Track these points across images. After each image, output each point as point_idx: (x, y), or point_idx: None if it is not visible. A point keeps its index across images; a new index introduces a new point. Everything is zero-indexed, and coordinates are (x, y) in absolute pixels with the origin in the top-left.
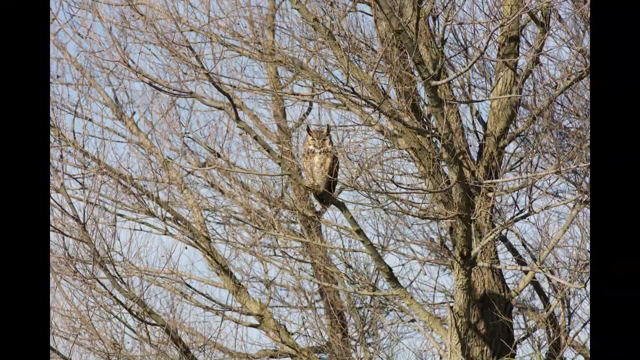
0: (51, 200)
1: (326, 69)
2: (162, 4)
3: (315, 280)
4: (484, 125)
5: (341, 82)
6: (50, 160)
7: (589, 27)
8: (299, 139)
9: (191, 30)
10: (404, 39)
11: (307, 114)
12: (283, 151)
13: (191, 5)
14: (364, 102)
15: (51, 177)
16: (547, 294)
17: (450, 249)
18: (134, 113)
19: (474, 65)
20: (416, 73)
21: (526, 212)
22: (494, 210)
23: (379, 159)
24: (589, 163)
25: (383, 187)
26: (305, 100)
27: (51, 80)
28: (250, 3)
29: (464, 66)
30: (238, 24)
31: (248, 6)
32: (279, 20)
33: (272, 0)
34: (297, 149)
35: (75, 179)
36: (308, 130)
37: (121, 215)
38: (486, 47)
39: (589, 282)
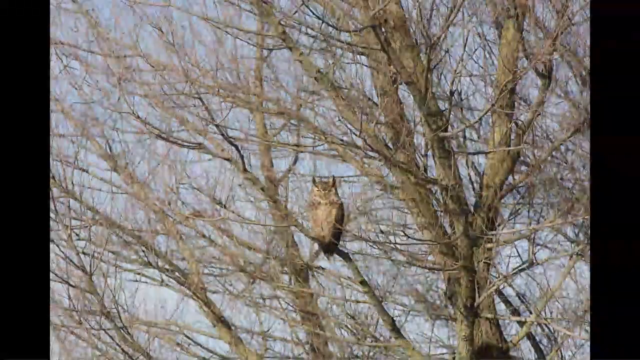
0: (57, 251)
1: (333, 122)
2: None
3: (309, 328)
4: (481, 176)
5: (353, 133)
6: (56, 213)
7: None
8: (287, 190)
9: (187, 82)
10: (414, 91)
11: (294, 164)
12: (275, 201)
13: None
14: (372, 153)
15: (58, 229)
16: (542, 346)
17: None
18: (127, 164)
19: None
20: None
21: (528, 263)
22: (492, 262)
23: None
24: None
25: (393, 239)
26: (302, 152)
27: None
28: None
29: (460, 118)
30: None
31: (235, 58)
32: (268, 72)
33: (259, 51)
34: (286, 199)
35: (73, 230)
36: (314, 181)
37: (119, 267)
38: (497, 100)
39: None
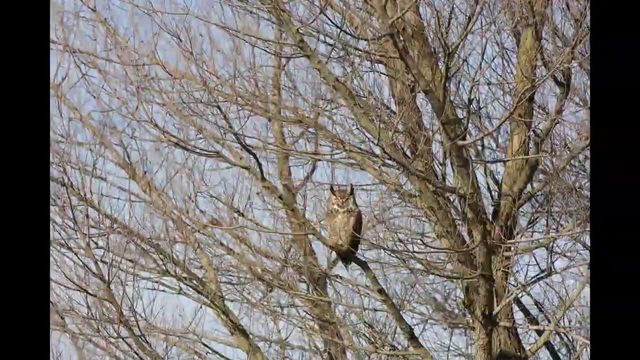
0: (75, 259)
1: (351, 130)
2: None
3: (326, 337)
4: (499, 185)
5: (371, 141)
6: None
7: None
8: (305, 198)
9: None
10: (432, 99)
11: (312, 173)
12: (292, 210)
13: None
14: (389, 162)
15: (77, 237)
16: (561, 355)
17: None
18: (145, 172)
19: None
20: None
21: (546, 272)
22: (511, 271)
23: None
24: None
25: (411, 247)
26: (320, 160)
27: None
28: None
29: (478, 126)
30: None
31: (252, 67)
32: (286, 80)
33: (277, 60)
34: (304, 208)
35: (91, 239)
36: (332, 189)
37: (137, 275)
38: (515, 108)
39: None
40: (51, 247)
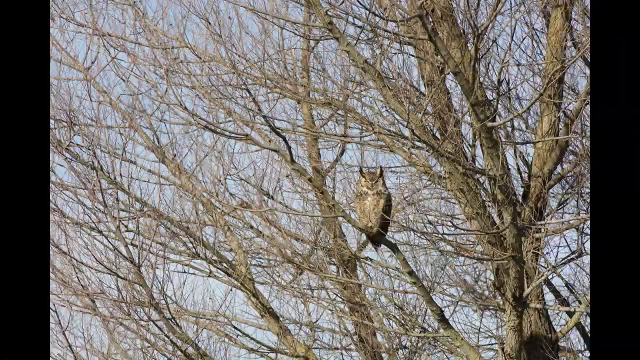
0: (106, 242)
1: (380, 112)
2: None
3: (357, 319)
4: (529, 166)
5: (400, 123)
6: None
7: None
8: (335, 180)
9: (234, 73)
10: (461, 81)
11: (341, 155)
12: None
13: (233, 47)
14: (419, 144)
15: (107, 221)
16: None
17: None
18: (174, 155)
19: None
20: (459, 114)
21: (576, 253)
22: (541, 252)
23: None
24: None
25: (441, 229)
26: (349, 142)
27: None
28: (284, 45)
29: (508, 108)
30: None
31: (281, 49)
32: (314, 63)
33: (306, 42)
34: (333, 190)
35: (122, 222)
36: (361, 172)
37: (167, 258)
38: (545, 89)
39: None
40: (82, 231)
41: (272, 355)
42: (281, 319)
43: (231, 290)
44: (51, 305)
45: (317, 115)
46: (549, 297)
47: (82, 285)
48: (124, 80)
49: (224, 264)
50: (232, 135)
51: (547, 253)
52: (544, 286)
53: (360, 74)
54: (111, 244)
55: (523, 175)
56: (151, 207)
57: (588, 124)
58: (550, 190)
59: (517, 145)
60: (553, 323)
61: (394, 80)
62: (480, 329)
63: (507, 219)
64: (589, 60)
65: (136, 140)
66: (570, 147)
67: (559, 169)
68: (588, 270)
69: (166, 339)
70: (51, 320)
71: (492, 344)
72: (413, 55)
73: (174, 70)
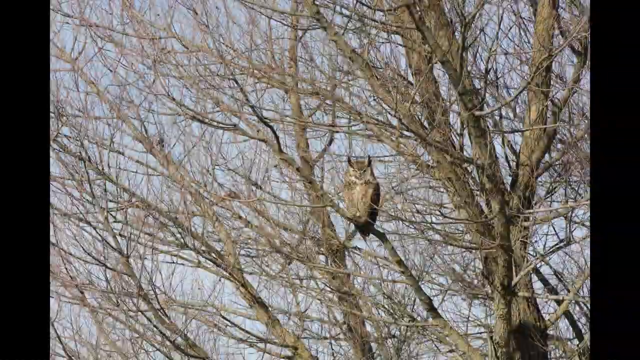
0: (94, 234)
1: (368, 102)
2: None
3: (346, 308)
4: (517, 155)
5: (388, 113)
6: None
7: None
8: (323, 170)
9: (221, 63)
10: (449, 70)
11: (329, 145)
12: (310, 182)
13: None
14: (407, 133)
15: (95, 212)
16: (580, 324)
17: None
18: (161, 142)
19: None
20: (447, 103)
21: (565, 242)
22: (529, 241)
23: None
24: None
25: (429, 218)
26: (337, 132)
27: None
28: (271, 34)
29: (495, 96)
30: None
31: (269, 39)
32: (302, 52)
33: (294, 32)
34: (322, 180)
35: (110, 213)
36: (349, 161)
37: (155, 249)
38: (532, 78)
39: None
40: (70, 222)
41: (261, 345)
42: (270, 308)
43: (220, 280)
44: None
45: (305, 105)
46: (538, 285)
47: (70, 276)
48: (111, 71)
49: (213, 254)
50: (220, 125)
51: (536, 241)
52: (532, 275)
53: (348, 63)
54: (99, 235)
55: (511, 163)
56: (139, 197)
57: (575, 112)
58: (539, 179)
59: (505, 134)
60: (542, 311)
61: (381, 70)
62: (469, 318)
63: (496, 208)
64: (582, 50)
65: (124, 131)
66: (558, 136)
67: (547, 157)
68: (576, 258)
69: (155, 329)
70: None
71: (481, 333)
72: (401, 45)
73: (162, 61)
